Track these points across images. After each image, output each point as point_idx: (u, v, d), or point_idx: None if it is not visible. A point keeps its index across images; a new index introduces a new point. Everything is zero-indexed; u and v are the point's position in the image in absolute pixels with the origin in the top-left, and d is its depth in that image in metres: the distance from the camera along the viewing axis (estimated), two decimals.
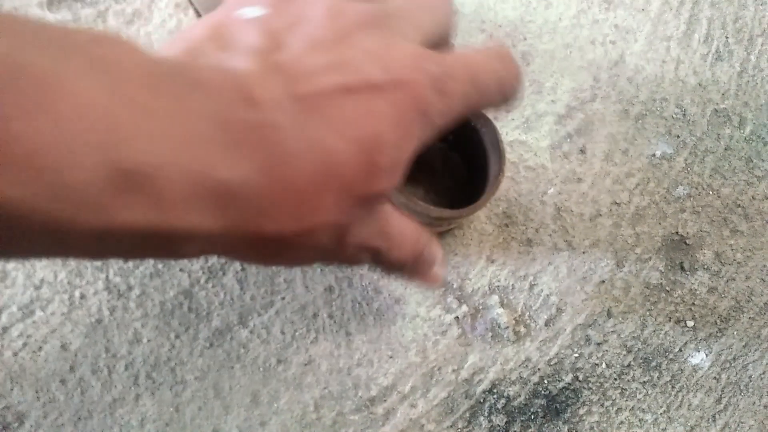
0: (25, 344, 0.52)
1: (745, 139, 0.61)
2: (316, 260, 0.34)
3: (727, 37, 0.64)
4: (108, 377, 0.52)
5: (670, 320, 0.58)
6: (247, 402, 0.53)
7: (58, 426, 0.51)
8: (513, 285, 0.56)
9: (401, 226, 0.38)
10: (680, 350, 0.57)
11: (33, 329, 0.52)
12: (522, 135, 0.59)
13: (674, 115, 0.61)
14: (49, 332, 0.52)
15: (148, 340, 0.53)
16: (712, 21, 0.64)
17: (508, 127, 0.59)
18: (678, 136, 0.61)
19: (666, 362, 0.57)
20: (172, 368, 0.52)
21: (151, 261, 0.53)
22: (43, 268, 0.52)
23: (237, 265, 0.54)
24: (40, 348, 0.52)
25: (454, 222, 0.52)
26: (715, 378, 0.57)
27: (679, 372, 0.57)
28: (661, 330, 0.57)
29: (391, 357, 0.54)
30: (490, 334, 0.55)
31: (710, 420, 0.56)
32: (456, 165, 0.56)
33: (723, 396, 0.57)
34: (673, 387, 0.56)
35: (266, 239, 0.27)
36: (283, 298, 0.54)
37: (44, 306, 0.52)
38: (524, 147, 0.59)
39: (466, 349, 0.55)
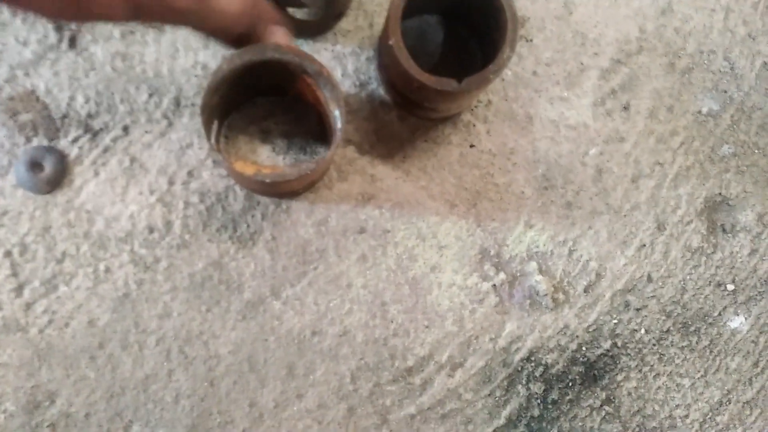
0: (50, 321, 0.50)
1: None
2: None
3: None
4: (139, 353, 0.51)
5: (710, 284, 0.57)
6: (283, 375, 0.52)
7: (91, 404, 0.50)
8: (552, 251, 0.55)
9: None
10: (719, 314, 0.57)
11: (58, 305, 0.50)
12: (563, 91, 0.56)
13: (722, 69, 0.58)
14: (74, 308, 0.50)
15: (179, 314, 0.51)
16: None
17: (548, 82, 0.55)
18: (725, 91, 0.58)
19: (705, 327, 0.56)
20: (204, 342, 0.51)
21: (178, 231, 0.51)
22: (63, 240, 0.50)
23: (267, 234, 0.52)
24: (67, 324, 0.50)
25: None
26: (753, 341, 0.57)
27: (718, 336, 0.56)
28: (701, 294, 0.56)
29: (427, 327, 0.53)
30: (528, 301, 0.54)
31: (747, 383, 0.56)
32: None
33: (761, 359, 0.57)
34: (711, 351, 0.56)
35: None
36: (315, 268, 0.52)
37: (68, 280, 0.50)
38: (565, 104, 0.56)
39: (504, 317, 0.54)
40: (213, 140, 0.48)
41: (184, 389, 0.51)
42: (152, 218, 0.51)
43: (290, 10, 0.48)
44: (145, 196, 0.51)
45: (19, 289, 0.50)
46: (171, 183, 0.51)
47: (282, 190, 0.50)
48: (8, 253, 0.50)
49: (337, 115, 0.44)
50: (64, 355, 0.50)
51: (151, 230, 0.51)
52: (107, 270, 0.51)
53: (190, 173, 0.51)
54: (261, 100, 0.52)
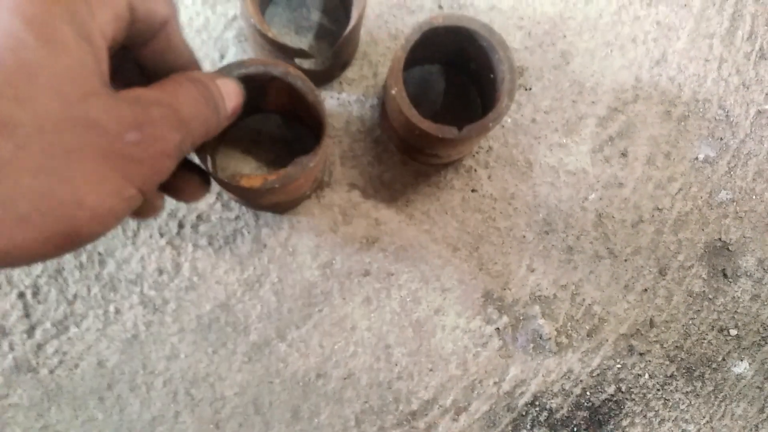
0: (61, 362, 0.51)
1: None
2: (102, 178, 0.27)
3: None
4: (147, 394, 0.51)
5: (713, 329, 0.57)
6: (288, 417, 0.52)
7: None
8: (555, 294, 0.56)
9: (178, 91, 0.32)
10: (723, 359, 0.57)
11: (68, 346, 0.51)
12: (562, 138, 0.57)
13: (717, 117, 0.60)
14: (84, 349, 0.51)
15: (186, 356, 0.52)
16: (756, 17, 0.62)
17: (547, 129, 0.57)
18: (721, 139, 0.59)
19: (709, 372, 0.56)
20: (211, 384, 0.52)
21: (186, 274, 0.52)
22: (75, 282, 0.51)
23: (273, 276, 0.53)
24: (77, 365, 0.51)
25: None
26: (758, 387, 0.57)
27: (722, 381, 0.56)
28: (704, 339, 0.57)
29: (431, 370, 0.54)
30: (532, 345, 0.55)
31: (753, 430, 0.56)
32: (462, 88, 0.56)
33: (766, 405, 0.56)
34: (716, 397, 0.56)
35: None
36: (320, 311, 0.53)
37: (78, 322, 0.51)
38: (564, 150, 0.57)
39: (508, 361, 0.55)
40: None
41: (190, 431, 0.52)
42: (162, 261, 0.52)
43: (297, 60, 0.50)
44: (155, 239, 0.52)
45: (31, 330, 0.51)
46: (181, 226, 0.53)
47: (293, 195, 0.50)
48: (21, 295, 0.51)
49: (318, 106, 0.44)
50: (73, 396, 0.51)
51: (160, 272, 0.52)
52: (117, 311, 0.52)
53: (199, 217, 0.53)
54: (247, 122, 0.53)
